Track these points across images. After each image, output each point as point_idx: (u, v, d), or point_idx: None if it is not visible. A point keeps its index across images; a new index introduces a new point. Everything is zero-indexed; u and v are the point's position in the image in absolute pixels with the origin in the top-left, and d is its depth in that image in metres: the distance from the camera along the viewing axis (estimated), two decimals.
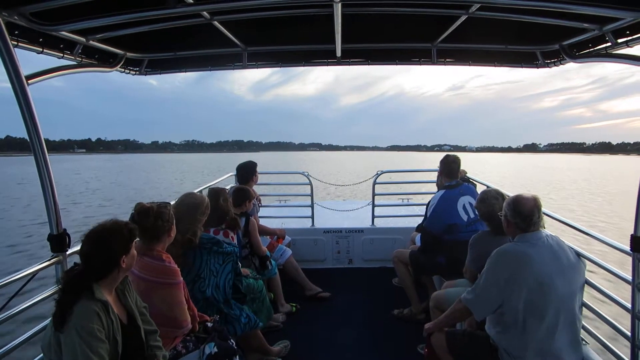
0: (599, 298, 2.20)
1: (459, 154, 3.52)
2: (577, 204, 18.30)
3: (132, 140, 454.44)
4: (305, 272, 3.99)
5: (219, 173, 6.52)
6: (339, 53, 3.03)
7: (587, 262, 2.05)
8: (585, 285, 2.05)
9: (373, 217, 4.89)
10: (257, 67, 3.29)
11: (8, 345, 1.76)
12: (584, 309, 2.06)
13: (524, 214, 1.93)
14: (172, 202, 2.47)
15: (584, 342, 2.05)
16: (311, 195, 4.93)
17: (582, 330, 2.03)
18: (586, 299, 2.08)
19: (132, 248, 1.61)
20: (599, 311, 2.16)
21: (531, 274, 1.80)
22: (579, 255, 2.02)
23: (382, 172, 5.09)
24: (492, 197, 2.54)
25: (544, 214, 2.02)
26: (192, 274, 2.42)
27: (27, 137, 1.95)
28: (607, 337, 2.13)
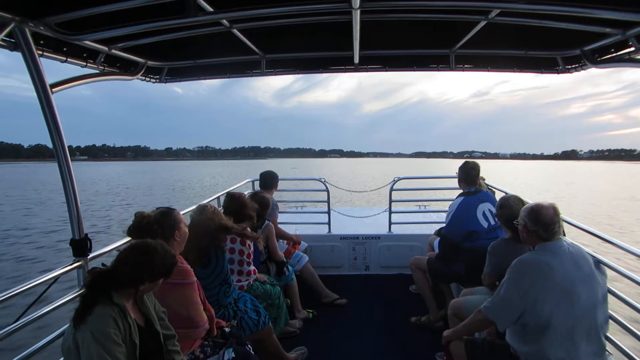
0: (624, 308, 2.22)
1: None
2: None
3: (142, 147, 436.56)
4: (322, 279, 4.11)
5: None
6: (356, 60, 3.17)
7: (609, 270, 2.09)
8: (609, 294, 2.07)
9: (390, 223, 4.97)
10: (275, 74, 3.47)
11: (30, 349, 1.89)
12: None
13: (546, 223, 1.96)
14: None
15: (607, 353, 2.06)
16: (328, 201, 5.07)
17: (606, 342, 2.04)
18: (610, 308, 2.08)
19: (159, 282, 1.70)
20: (623, 321, 2.18)
21: (553, 284, 1.85)
22: (600, 263, 2.06)
23: (399, 179, 5.18)
24: (512, 203, 2.60)
25: (564, 220, 2.06)
26: (220, 278, 2.53)
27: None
28: (632, 348, 2.15)
